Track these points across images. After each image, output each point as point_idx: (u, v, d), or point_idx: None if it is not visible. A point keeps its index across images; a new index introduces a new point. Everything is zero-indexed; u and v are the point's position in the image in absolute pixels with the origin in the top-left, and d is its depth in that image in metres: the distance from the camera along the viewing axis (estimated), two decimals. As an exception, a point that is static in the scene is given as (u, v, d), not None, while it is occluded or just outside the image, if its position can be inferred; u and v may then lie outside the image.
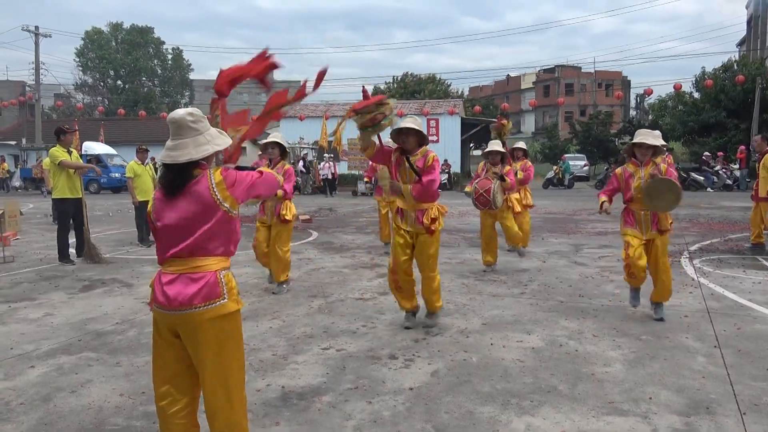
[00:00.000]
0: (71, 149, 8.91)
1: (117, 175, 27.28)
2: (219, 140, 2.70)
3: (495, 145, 7.67)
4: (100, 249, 9.15)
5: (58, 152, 8.63)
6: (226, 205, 2.64)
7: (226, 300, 2.66)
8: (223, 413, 2.70)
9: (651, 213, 5.31)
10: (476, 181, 7.56)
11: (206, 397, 2.71)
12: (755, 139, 9.53)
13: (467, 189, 7.88)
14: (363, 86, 5.54)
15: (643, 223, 5.35)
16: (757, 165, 9.15)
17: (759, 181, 8.88)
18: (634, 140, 5.40)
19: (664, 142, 5.51)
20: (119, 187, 27.84)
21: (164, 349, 2.75)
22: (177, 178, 2.61)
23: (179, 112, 2.66)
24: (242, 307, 2.79)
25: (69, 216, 8.80)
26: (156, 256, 2.75)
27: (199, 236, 2.60)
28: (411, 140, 5.07)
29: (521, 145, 9.14)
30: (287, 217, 6.52)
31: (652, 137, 5.36)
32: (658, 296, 5.50)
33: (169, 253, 2.63)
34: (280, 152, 6.67)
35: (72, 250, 9.02)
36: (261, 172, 2.82)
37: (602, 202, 5.48)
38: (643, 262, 5.35)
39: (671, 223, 5.46)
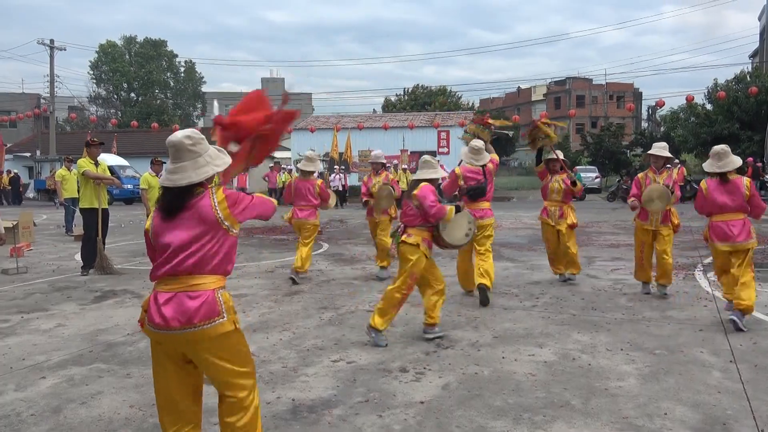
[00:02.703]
0: (98, 161, 9.06)
1: (129, 186, 27.46)
2: (218, 161, 2.71)
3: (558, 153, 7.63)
4: (112, 260, 9.20)
5: (84, 163, 8.86)
6: (226, 223, 2.66)
7: (225, 319, 2.66)
8: (239, 422, 2.73)
9: (661, 213, 6.60)
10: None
11: (221, 407, 2.78)
12: None
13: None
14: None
15: (654, 219, 6.69)
16: None
17: None
18: (649, 152, 7.02)
19: (669, 154, 6.80)
20: (132, 198, 28.06)
21: (164, 375, 2.73)
22: (176, 200, 2.63)
23: (177, 136, 2.66)
24: (239, 326, 2.79)
25: (96, 226, 8.89)
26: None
27: (198, 254, 2.61)
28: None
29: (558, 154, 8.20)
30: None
31: (658, 149, 6.77)
32: (661, 279, 6.85)
33: (165, 270, 2.62)
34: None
35: (78, 257, 9.06)
36: (253, 196, 2.83)
37: (634, 201, 6.73)
38: (651, 254, 6.85)
39: (678, 224, 6.76)
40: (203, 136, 2.71)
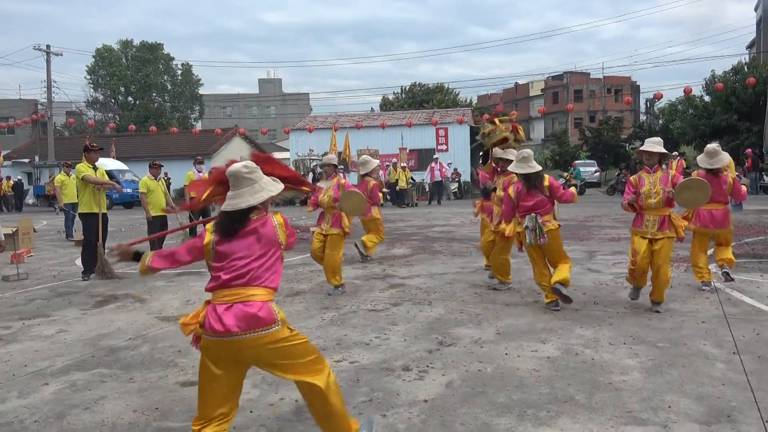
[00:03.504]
0: (96, 166, 9.06)
1: (129, 190, 27.44)
2: (272, 187, 3.05)
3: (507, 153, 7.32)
4: (113, 264, 9.19)
5: (83, 168, 8.85)
6: (283, 244, 3.03)
7: (279, 327, 2.88)
8: (323, 406, 3.02)
9: (659, 218, 5.84)
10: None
11: (304, 396, 3.06)
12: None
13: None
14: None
15: (650, 224, 5.89)
16: None
17: None
18: (641, 148, 6.18)
19: (662, 149, 5.95)
20: (131, 202, 28.04)
21: (214, 378, 2.90)
22: (235, 223, 2.95)
23: (236, 166, 3.01)
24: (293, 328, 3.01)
25: (95, 231, 8.88)
26: (212, 282, 2.96)
27: (255, 269, 2.89)
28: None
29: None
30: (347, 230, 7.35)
31: (651, 144, 6.00)
32: (655, 295, 6.03)
33: (223, 281, 2.87)
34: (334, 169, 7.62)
35: (79, 262, 9.07)
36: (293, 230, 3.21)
37: (632, 199, 5.98)
38: (647, 266, 5.93)
39: (683, 228, 5.95)
40: (258, 166, 3.06)
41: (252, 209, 2.95)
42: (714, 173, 6.69)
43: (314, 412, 3.08)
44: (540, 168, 6.19)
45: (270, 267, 2.95)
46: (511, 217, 6.31)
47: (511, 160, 6.75)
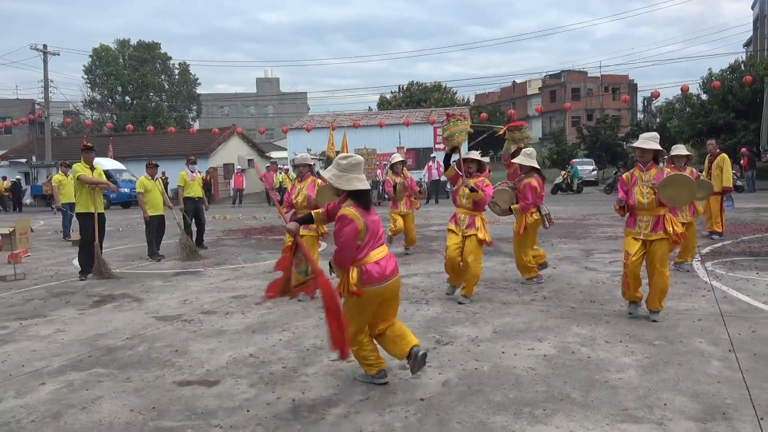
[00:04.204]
0: (95, 165, 9.05)
1: (126, 190, 27.44)
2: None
3: (471, 153, 6.99)
4: (110, 264, 9.19)
5: (80, 168, 8.85)
6: None
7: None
8: (401, 332, 4.17)
9: (653, 218, 5.54)
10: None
11: (391, 326, 4.16)
12: (709, 143, 11.50)
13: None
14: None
15: (643, 225, 5.60)
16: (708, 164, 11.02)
17: (712, 178, 10.64)
18: (634, 144, 5.79)
19: (656, 146, 5.60)
20: (128, 202, 28.01)
21: (368, 315, 4.04)
22: (371, 199, 4.14)
23: (358, 158, 4.05)
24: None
25: (92, 231, 8.88)
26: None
27: (382, 231, 4.08)
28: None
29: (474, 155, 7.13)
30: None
31: (643, 140, 5.62)
32: (653, 303, 5.65)
33: (375, 244, 3.94)
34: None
35: (76, 262, 9.05)
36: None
37: (623, 200, 5.69)
38: (639, 270, 5.61)
39: (679, 233, 5.55)
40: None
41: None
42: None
43: (386, 337, 4.14)
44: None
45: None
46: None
47: (478, 160, 6.66)
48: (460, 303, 6.45)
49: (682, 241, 5.73)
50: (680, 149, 8.25)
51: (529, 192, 7.18)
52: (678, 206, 5.81)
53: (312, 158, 8.30)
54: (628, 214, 5.75)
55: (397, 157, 10.44)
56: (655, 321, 5.54)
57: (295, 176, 7.54)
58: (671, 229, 5.49)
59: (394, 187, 10.22)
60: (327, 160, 27.57)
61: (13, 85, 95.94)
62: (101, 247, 9.20)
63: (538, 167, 7.32)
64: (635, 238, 5.64)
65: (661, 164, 5.75)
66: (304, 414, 3.72)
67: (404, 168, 10.64)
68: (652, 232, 5.53)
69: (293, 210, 7.27)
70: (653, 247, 5.55)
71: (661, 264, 5.55)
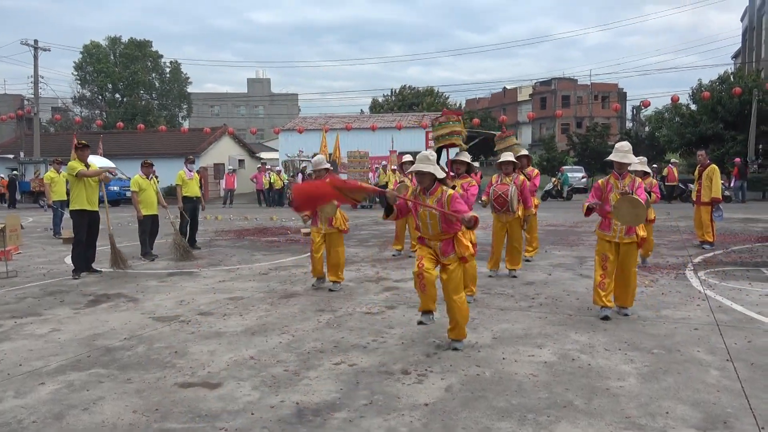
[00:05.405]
0: (88, 163, 9.01)
1: (116, 188, 27.23)
2: (438, 172, 5.03)
3: (508, 156, 7.96)
4: (125, 256, 9.38)
5: (76, 164, 8.77)
6: None
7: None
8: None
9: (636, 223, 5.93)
10: (492, 186, 7.95)
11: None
12: (699, 153, 11.66)
13: (483, 198, 8.03)
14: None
15: (618, 229, 6.01)
16: (698, 174, 11.22)
17: (702, 188, 11.02)
18: (610, 157, 6.19)
19: (634, 160, 6.10)
20: (118, 200, 27.79)
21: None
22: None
23: (425, 153, 4.92)
24: None
25: (85, 229, 8.82)
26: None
27: None
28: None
29: (524, 152, 9.39)
30: None
31: (622, 155, 6.03)
32: (623, 300, 6.13)
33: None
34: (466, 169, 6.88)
35: (68, 260, 9.01)
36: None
37: (594, 204, 6.16)
38: (613, 273, 6.04)
39: (643, 237, 6.08)
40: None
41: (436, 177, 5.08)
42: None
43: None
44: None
45: None
46: None
47: (467, 162, 6.83)
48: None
49: (643, 244, 6.28)
50: (643, 164, 8.69)
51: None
52: (635, 225, 5.87)
53: (305, 160, 8.62)
54: (601, 219, 6.15)
55: (408, 158, 10.47)
56: (626, 315, 6.06)
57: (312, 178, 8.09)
58: (642, 233, 6.04)
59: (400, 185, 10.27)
60: (332, 163, 27.57)
61: (2, 80, 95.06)
62: (95, 247, 9.15)
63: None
64: (609, 241, 6.07)
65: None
66: (309, 418, 3.72)
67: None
68: (626, 236, 5.98)
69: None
70: (626, 249, 6.04)
71: (633, 264, 6.13)
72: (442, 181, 5.07)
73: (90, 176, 8.80)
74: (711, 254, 10.11)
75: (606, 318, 5.95)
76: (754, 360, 4.66)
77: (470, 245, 5.14)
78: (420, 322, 5.25)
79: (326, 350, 5.07)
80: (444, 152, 6.97)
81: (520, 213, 8.10)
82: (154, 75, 57.65)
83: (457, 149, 7.12)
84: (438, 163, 6.88)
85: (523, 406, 3.85)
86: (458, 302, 5.02)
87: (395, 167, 27.14)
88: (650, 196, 8.08)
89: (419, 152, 5.63)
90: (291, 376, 4.46)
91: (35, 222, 19.33)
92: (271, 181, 29.26)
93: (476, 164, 7.36)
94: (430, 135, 7.02)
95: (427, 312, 5.17)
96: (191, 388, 4.25)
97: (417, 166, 5.06)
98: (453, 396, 4.03)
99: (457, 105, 56.40)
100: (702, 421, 3.58)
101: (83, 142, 9.24)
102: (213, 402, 3.99)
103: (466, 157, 6.86)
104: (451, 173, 6.79)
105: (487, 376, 4.41)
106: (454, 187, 6.46)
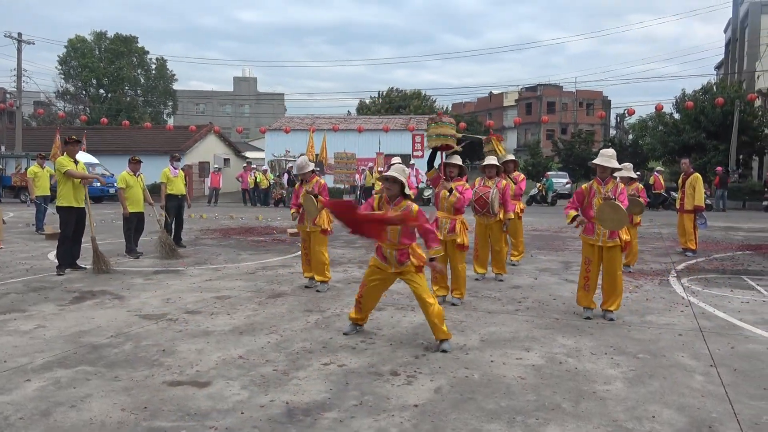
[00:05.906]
0: (77, 160, 8.90)
1: (98, 184, 26.87)
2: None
3: (491, 160, 8.04)
4: (108, 258, 9.13)
5: (65, 161, 8.67)
6: None
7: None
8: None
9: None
10: (474, 188, 7.99)
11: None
12: (683, 162, 11.86)
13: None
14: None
15: (601, 233, 6.14)
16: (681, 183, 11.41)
17: (685, 196, 11.19)
18: (595, 161, 6.28)
19: (616, 165, 6.22)
20: (101, 196, 27.45)
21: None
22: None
23: (401, 166, 5.00)
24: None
25: (72, 225, 8.73)
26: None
27: None
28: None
29: (511, 157, 9.46)
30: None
31: (606, 159, 6.20)
32: (610, 304, 6.24)
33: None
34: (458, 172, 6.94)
35: (52, 256, 8.89)
36: None
37: (574, 216, 6.27)
38: (597, 276, 6.28)
39: (627, 240, 6.18)
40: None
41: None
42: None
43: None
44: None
45: None
46: None
47: (459, 165, 6.89)
48: (453, 305, 6.76)
49: (627, 248, 6.35)
50: (629, 170, 8.98)
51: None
52: (617, 229, 6.02)
53: (291, 160, 8.65)
54: (585, 222, 6.22)
55: (397, 160, 10.47)
56: (612, 320, 6.14)
57: (298, 181, 7.95)
58: (626, 236, 6.13)
59: None
60: (318, 164, 27.52)
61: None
62: (80, 242, 9.06)
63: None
64: (593, 245, 6.23)
65: (619, 183, 6.27)
66: (299, 417, 3.72)
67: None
68: (610, 239, 6.12)
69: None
70: (610, 253, 6.18)
71: (618, 268, 6.22)
72: (407, 197, 5.27)
73: (76, 178, 8.70)
74: (693, 261, 10.26)
75: (588, 318, 6.20)
76: (737, 366, 4.75)
77: (424, 255, 5.31)
78: (347, 333, 5.57)
79: (315, 350, 5.07)
80: (438, 154, 6.97)
81: (501, 216, 8.11)
82: (139, 71, 57.16)
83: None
84: (433, 164, 7.02)
85: (511, 408, 3.88)
86: (430, 303, 5.16)
87: (381, 169, 27.30)
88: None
89: (407, 155, 5.69)
90: (280, 375, 4.46)
91: (17, 217, 19.06)
92: (257, 180, 29.17)
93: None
94: (426, 133, 7.02)
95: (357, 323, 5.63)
96: (180, 386, 4.23)
97: (391, 173, 5.23)
98: (442, 397, 4.06)
99: (444, 108, 56.50)
100: (688, 425, 3.64)
101: (74, 137, 9.14)
102: (202, 401, 3.98)
103: (459, 160, 6.91)
104: (443, 176, 6.81)
105: (475, 378, 4.44)
106: (451, 190, 6.62)
